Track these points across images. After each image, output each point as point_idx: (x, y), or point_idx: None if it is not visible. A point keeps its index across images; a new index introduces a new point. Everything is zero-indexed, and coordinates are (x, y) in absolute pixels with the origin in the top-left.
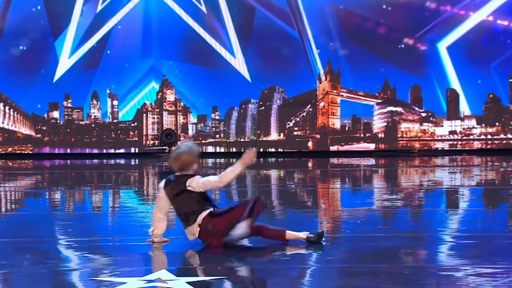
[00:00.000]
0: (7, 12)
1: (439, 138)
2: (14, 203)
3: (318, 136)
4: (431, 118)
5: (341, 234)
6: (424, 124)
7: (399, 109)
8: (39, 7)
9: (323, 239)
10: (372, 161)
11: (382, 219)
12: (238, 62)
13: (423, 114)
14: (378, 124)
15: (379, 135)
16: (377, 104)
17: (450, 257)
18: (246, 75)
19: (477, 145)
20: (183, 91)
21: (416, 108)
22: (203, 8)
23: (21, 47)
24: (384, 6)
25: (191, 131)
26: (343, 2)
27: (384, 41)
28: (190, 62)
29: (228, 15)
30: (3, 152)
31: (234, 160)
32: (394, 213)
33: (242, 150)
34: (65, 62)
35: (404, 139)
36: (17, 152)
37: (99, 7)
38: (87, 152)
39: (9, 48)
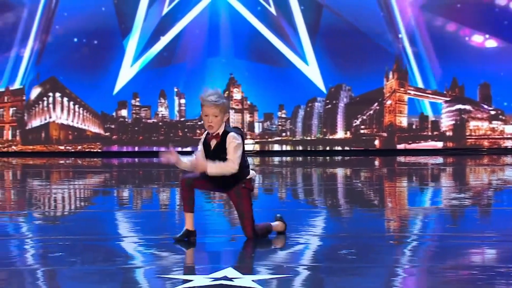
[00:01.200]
0: (76, 11)
1: (509, 136)
2: (83, 201)
3: (385, 134)
4: (500, 116)
5: (408, 233)
6: (494, 122)
7: (467, 107)
8: (106, 8)
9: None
10: (440, 160)
11: (450, 218)
12: (307, 61)
13: (492, 112)
14: (446, 122)
15: (447, 133)
16: (445, 102)
17: None
18: (314, 73)
19: None
20: (249, 89)
21: (485, 106)
22: (272, 9)
23: (89, 46)
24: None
25: (257, 129)
26: None
27: (453, 39)
28: (257, 61)
29: (299, 15)
30: (73, 150)
31: (300, 159)
32: (462, 212)
33: (309, 148)
34: (133, 61)
35: (473, 137)
36: (86, 150)
37: (165, 10)
38: (154, 150)
39: (78, 47)
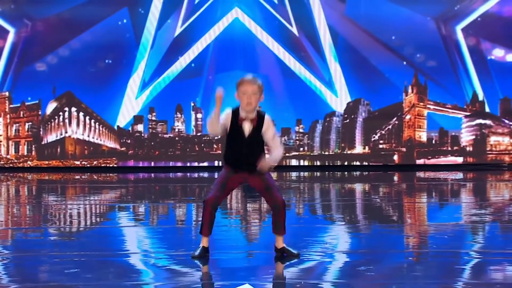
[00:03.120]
0: (93, 26)
1: None
2: (99, 217)
3: (404, 149)
4: None
5: (427, 249)
6: None
7: (488, 122)
8: (125, 21)
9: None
10: (460, 175)
11: (471, 234)
12: (325, 76)
13: None
14: (466, 137)
15: (467, 149)
16: (465, 116)
17: None
18: (332, 88)
19: None
20: (266, 104)
21: (506, 121)
22: (294, 29)
23: (107, 60)
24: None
25: None
26: (431, 12)
27: (473, 53)
28: (273, 75)
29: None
30: (88, 165)
31: (317, 174)
32: (483, 229)
33: (327, 164)
34: (148, 76)
35: (494, 152)
36: (102, 165)
37: (178, 29)
38: (171, 165)
39: (95, 61)
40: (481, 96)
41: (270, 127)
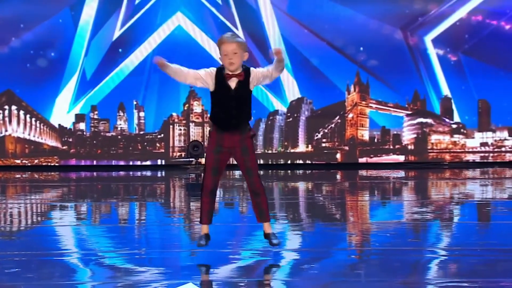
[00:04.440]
0: (33, 24)
1: (470, 150)
2: (40, 216)
3: (346, 147)
4: (462, 130)
5: (370, 247)
6: (455, 135)
7: (429, 120)
8: (61, 21)
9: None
10: (401, 173)
11: (412, 232)
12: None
13: (454, 126)
14: (407, 135)
15: (409, 147)
16: (407, 115)
17: (485, 270)
18: (275, 87)
19: (509, 157)
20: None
21: (447, 120)
22: (240, 32)
23: (47, 59)
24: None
25: None
26: (371, 12)
27: (416, 51)
28: None
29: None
30: (29, 164)
31: (261, 172)
32: (424, 226)
33: (270, 162)
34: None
35: (435, 151)
36: (43, 164)
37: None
38: (113, 164)
39: (35, 60)
40: (422, 94)
41: (258, 70)
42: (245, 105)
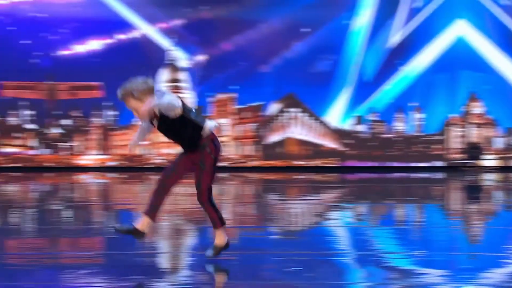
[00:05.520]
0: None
1: None
2: (320, 216)
3: None
4: None
5: None
6: None
7: None
8: (340, 24)
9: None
10: None
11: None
12: None
13: None
14: None
15: None
16: None
17: None
18: None
19: None
20: (490, 104)
21: None
22: None
23: (325, 62)
24: None
25: (497, 144)
26: None
27: None
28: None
29: None
30: (308, 165)
31: None
32: None
33: None
34: None
35: None
36: (321, 165)
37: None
38: (387, 165)
39: (314, 62)
40: None
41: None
42: (184, 130)
